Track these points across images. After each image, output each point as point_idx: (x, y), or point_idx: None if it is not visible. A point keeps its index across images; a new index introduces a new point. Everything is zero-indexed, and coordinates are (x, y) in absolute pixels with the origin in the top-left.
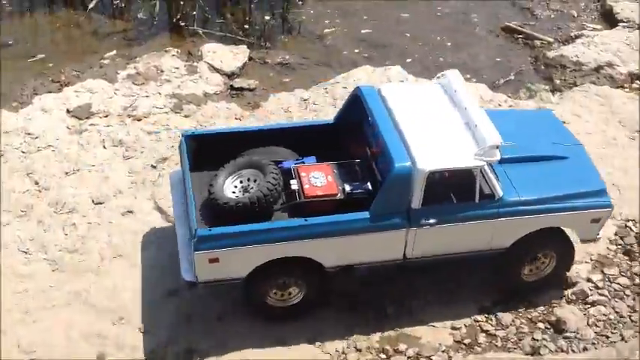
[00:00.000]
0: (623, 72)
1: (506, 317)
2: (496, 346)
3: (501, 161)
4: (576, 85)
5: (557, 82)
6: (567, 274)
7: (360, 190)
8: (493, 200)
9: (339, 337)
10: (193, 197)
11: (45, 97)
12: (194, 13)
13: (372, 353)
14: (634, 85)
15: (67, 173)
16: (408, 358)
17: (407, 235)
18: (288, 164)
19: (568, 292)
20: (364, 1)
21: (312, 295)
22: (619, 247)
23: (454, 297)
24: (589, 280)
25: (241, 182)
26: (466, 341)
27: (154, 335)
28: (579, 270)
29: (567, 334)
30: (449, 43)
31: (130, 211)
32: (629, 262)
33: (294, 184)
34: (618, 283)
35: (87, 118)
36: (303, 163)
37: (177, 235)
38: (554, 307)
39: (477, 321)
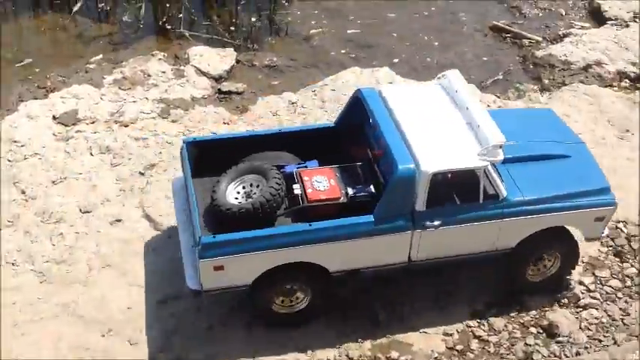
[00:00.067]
0: (612, 70)
1: (498, 322)
2: (489, 352)
3: (504, 161)
4: (565, 85)
5: (546, 81)
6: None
7: (363, 193)
8: (497, 201)
9: (330, 346)
10: (196, 204)
11: (31, 104)
12: (180, 15)
13: None
14: (622, 84)
15: (53, 182)
16: None
17: (412, 237)
18: (290, 169)
19: (560, 295)
20: (351, 1)
21: (317, 300)
22: (610, 248)
23: (446, 301)
24: (581, 282)
25: (244, 188)
26: (458, 347)
27: (143, 346)
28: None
29: (560, 339)
30: (436, 43)
31: (119, 220)
32: (620, 264)
33: (296, 189)
34: (610, 286)
35: (73, 124)
36: (306, 167)
37: (180, 242)
38: (546, 311)
39: (470, 326)
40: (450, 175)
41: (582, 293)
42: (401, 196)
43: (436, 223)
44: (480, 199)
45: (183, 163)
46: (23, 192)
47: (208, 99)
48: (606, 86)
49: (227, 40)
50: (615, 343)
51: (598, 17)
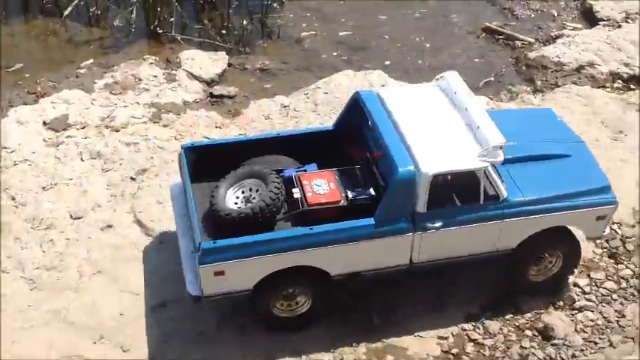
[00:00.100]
0: (605, 71)
1: (493, 325)
2: (484, 355)
3: (504, 161)
4: (558, 86)
5: (539, 83)
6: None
7: (363, 196)
8: (498, 201)
9: (324, 350)
10: (195, 209)
11: (21, 109)
12: (172, 19)
13: None
14: (615, 85)
15: (44, 188)
16: None
17: (413, 239)
18: (289, 172)
19: (555, 298)
20: (342, 4)
21: (318, 304)
22: (605, 250)
23: (441, 304)
24: (576, 285)
25: (243, 192)
26: (454, 351)
27: (136, 353)
28: None
29: (555, 342)
30: (428, 45)
31: (110, 226)
32: (615, 266)
33: (296, 193)
34: (605, 288)
35: (64, 130)
36: (305, 170)
37: (180, 248)
38: (541, 313)
39: (465, 330)
40: (450, 177)
41: (577, 295)
42: (401, 198)
43: (437, 224)
44: (480, 200)
45: (181, 168)
46: (13, 198)
47: (200, 103)
48: (599, 87)
49: (219, 43)
50: (611, 345)
51: (590, 18)
